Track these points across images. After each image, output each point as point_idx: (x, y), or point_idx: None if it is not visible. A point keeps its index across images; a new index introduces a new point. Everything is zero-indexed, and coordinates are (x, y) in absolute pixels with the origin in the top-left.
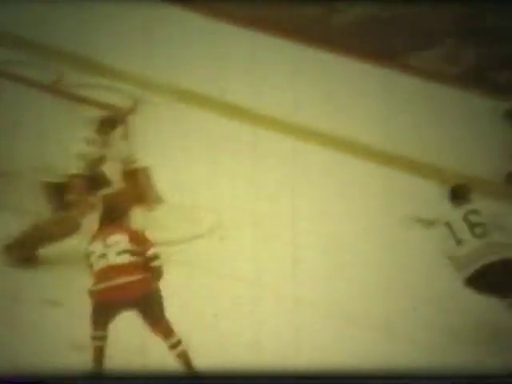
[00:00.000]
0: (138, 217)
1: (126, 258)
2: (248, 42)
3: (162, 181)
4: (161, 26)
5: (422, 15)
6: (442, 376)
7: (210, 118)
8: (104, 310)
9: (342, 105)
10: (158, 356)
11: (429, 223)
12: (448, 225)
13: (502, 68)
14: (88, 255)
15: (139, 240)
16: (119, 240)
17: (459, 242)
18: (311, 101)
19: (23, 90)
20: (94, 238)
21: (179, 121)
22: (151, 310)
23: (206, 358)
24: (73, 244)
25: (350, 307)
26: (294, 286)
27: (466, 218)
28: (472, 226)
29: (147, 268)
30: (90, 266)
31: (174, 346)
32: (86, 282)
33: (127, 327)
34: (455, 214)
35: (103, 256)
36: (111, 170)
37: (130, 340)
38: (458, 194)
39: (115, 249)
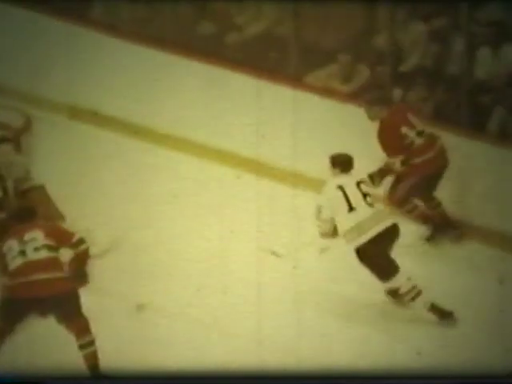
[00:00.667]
0: None
1: (43, 254)
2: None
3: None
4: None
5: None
6: (442, 376)
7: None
8: (15, 307)
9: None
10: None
11: None
12: (340, 188)
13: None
14: (3, 255)
15: (56, 234)
16: (35, 236)
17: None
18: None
19: None
20: (8, 236)
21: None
22: (66, 308)
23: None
24: None
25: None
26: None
27: (358, 186)
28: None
29: (66, 263)
30: (5, 266)
31: (84, 347)
32: None
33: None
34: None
35: (21, 253)
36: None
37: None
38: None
39: (32, 245)
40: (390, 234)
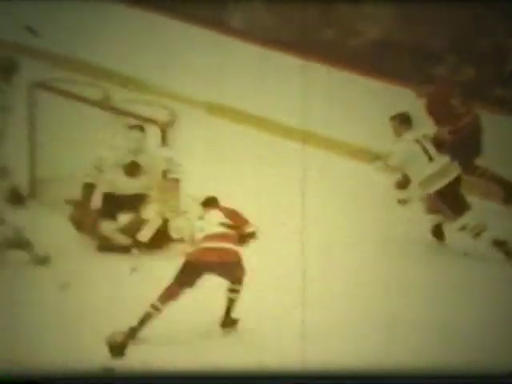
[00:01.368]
0: None
1: (221, 229)
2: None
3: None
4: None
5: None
6: (441, 376)
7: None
8: (193, 269)
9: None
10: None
11: None
12: (418, 142)
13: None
14: (192, 230)
15: (234, 217)
16: (216, 215)
17: (431, 158)
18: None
19: (75, 105)
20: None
21: (212, 133)
22: (234, 274)
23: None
24: None
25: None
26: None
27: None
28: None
29: (241, 240)
30: (192, 238)
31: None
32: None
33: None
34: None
35: (202, 229)
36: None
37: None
38: (406, 120)
39: (213, 221)
40: (458, 181)
